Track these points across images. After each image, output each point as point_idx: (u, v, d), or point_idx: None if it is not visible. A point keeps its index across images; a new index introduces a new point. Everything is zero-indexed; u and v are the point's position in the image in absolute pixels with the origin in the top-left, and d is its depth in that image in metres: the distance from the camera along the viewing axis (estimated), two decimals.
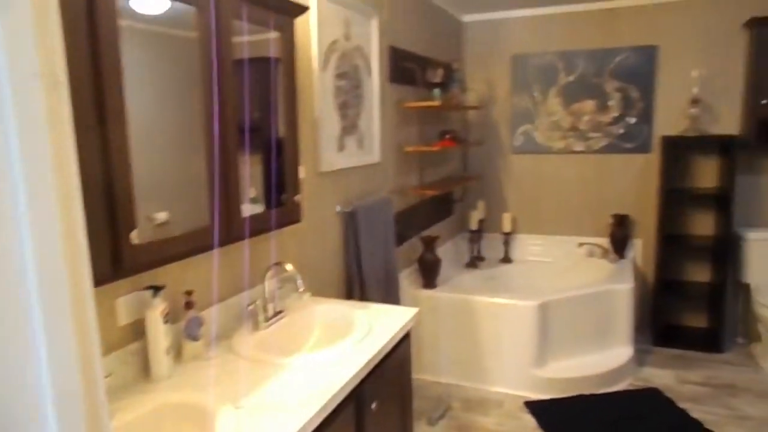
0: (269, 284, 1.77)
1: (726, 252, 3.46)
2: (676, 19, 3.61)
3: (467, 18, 4.09)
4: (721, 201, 3.50)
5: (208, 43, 1.47)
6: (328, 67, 2.32)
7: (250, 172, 1.78)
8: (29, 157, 0.49)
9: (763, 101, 3.32)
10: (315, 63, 2.20)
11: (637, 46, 3.70)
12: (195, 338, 1.54)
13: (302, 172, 2.08)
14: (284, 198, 1.90)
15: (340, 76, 2.42)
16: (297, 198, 1.93)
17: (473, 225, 4.01)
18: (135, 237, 1.26)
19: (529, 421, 2.78)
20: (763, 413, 2.83)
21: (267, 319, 1.75)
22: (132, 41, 1.28)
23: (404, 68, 3.07)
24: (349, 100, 2.52)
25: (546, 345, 3.08)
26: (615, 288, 3.23)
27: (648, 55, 3.69)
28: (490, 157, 4.17)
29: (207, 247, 1.53)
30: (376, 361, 1.56)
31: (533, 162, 4.07)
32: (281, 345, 1.73)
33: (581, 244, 3.94)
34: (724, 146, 3.53)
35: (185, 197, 1.53)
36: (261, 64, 1.80)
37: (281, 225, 1.89)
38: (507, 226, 4.05)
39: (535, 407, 2.88)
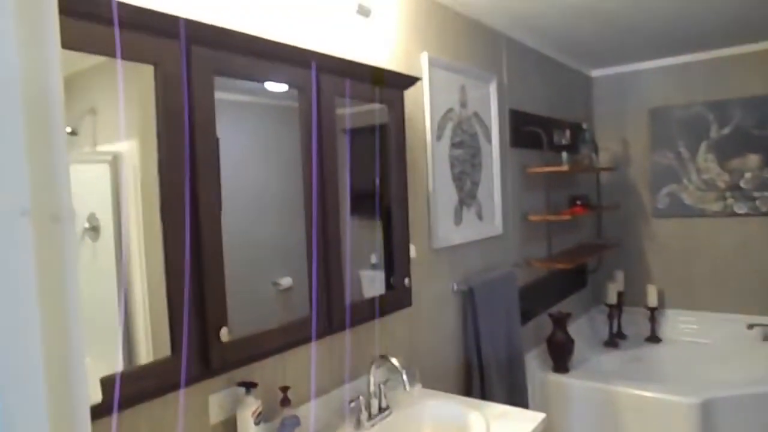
0: (374, 378, 1.61)
1: None
2: None
3: (596, 73, 3.80)
4: None
5: (310, 119, 1.41)
6: (443, 137, 2.20)
7: (368, 239, 1.67)
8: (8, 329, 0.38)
9: None
10: (428, 134, 2.09)
11: None
12: None
13: (413, 251, 1.93)
14: (393, 281, 1.75)
15: (456, 145, 2.29)
16: (407, 281, 1.77)
17: (611, 299, 3.55)
18: (225, 334, 1.17)
19: None
20: None
21: (370, 417, 1.57)
22: (237, 113, 1.26)
23: (527, 132, 2.86)
24: (467, 170, 2.36)
25: None
26: None
27: None
28: (628, 222, 3.73)
29: (304, 340, 1.41)
30: None
31: (682, 226, 3.56)
32: None
33: (752, 326, 3.29)
34: None
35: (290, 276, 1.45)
36: (373, 133, 1.73)
37: (389, 311, 1.73)
38: (652, 300, 3.53)
39: None
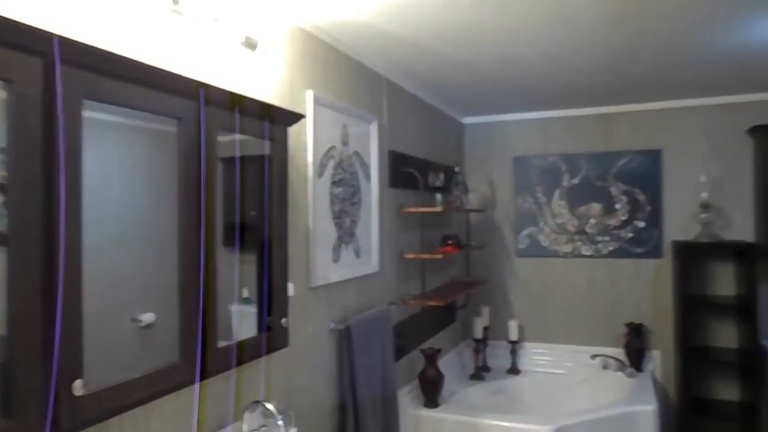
0: (247, 425, 1.52)
1: (754, 367, 3.18)
2: (678, 124, 3.58)
3: (468, 120, 4.09)
4: (744, 311, 3.27)
5: (189, 148, 1.34)
6: (324, 174, 2.20)
7: (241, 272, 1.59)
8: None
9: None
10: (310, 170, 2.08)
11: (641, 149, 3.65)
12: None
13: (292, 290, 1.89)
14: (270, 321, 1.69)
15: (336, 183, 2.30)
16: (284, 321, 1.72)
17: (478, 333, 3.75)
18: (79, 387, 1.04)
19: None
20: None
21: None
22: (100, 132, 1.14)
23: (405, 172, 2.97)
24: (347, 208, 2.38)
25: None
26: (637, 410, 2.92)
27: (652, 159, 3.62)
28: (494, 260, 4.00)
29: (172, 389, 1.30)
30: None
31: (539, 266, 3.89)
32: None
33: (594, 356, 3.66)
34: (740, 252, 3.37)
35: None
36: (253, 165, 1.68)
37: (265, 353, 1.66)
38: (513, 335, 3.78)
39: None
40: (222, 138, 1.46)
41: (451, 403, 3.09)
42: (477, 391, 3.55)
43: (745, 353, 3.26)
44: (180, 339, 1.32)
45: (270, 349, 1.67)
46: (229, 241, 1.59)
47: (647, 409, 2.93)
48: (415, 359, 3.10)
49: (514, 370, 3.80)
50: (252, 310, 1.68)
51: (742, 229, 3.44)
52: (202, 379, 1.39)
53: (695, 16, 2.06)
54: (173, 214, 1.32)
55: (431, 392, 2.96)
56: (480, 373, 3.74)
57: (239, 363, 1.55)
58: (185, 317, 1.33)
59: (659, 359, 3.59)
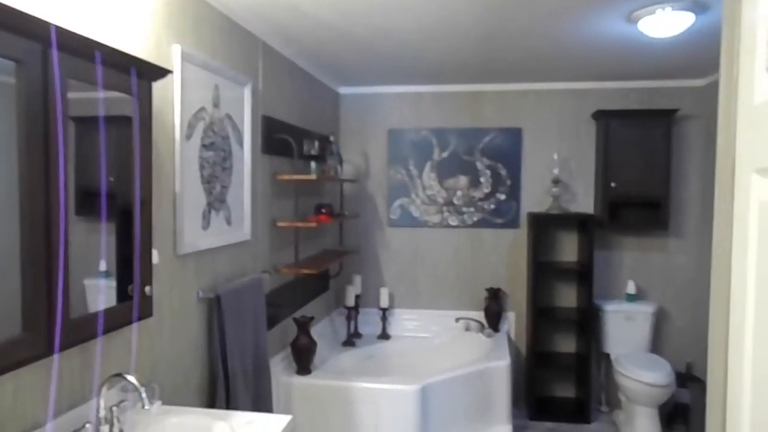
0: (104, 401, 1.42)
1: (588, 323, 3.62)
2: (536, 105, 3.89)
3: (343, 90, 4.09)
4: (582, 275, 3.70)
5: (34, 101, 1.19)
6: (193, 137, 2.09)
7: (97, 244, 1.47)
8: None
9: (612, 184, 3.63)
10: (177, 131, 1.96)
11: (503, 127, 3.92)
12: None
13: (156, 257, 1.78)
14: (131, 289, 1.59)
15: (207, 146, 2.19)
16: (148, 289, 1.62)
17: (350, 301, 3.84)
18: None
19: None
20: None
21: None
22: None
23: (279, 139, 2.90)
24: (217, 173, 2.28)
25: (427, 430, 2.92)
26: (493, 365, 3.21)
27: (513, 136, 3.91)
28: (366, 230, 4.09)
29: (15, 365, 1.17)
30: None
31: (410, 236, 4.06)
32: None
33: (458, 319, 3.93)
34: (582, 223, 3.79)
35: None
36: (111, 125, 1.54)
37: (127, 323, 1.56)
38: (384, 302, 3.93)
39: None
40: (76, 95, 1.32)
41: (324, 369, 3.15)
42: (349, 357, 3.65)
43: (581, 311, 3.71)
44: (23, 311, 1.19)
45: (132, 320, 1.57)
46: (83, 210, 1.45)
47: (501, 364, 3.23)
48: (288, 328, 3.10)
49: (384, 336, 3.95)
50: (112, 284, 1.57)
51: (584, 202, 3.86)
52: (53, 352, 1.28)
53: (550, 5, 2.24)
54: (13, 176, 1.17)
55: (304, 360, 2.99)
56: (352, 339, 3.84)
57: (98, 335, 1.44)
58: (29, 288, 1.20)
59: (513, 320, 3.96)
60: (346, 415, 2.88)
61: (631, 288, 3.76)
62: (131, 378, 1.39)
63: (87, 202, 1.47)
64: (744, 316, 0.86)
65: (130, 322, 1.56)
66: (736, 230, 0.91)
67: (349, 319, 3.88)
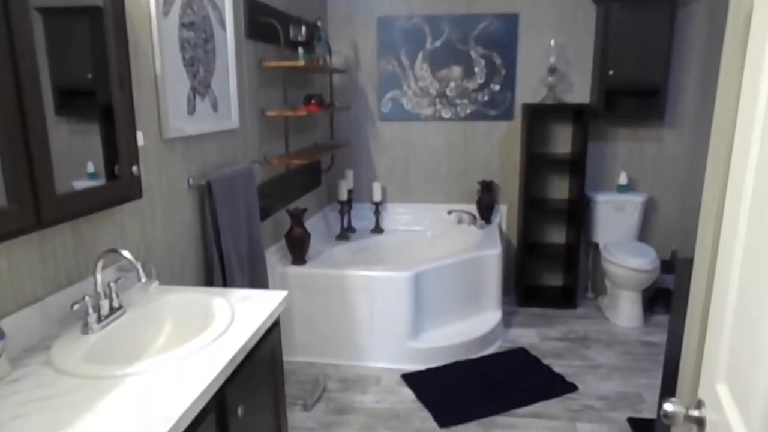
0: (102, 276, 1.43)
1: (579, 214, 3.67)
2: None
3: None
4: (575, 166, 3.69)
5: None
6: (171, 13, 1.95)
7: (83, 143, 1.42)
8: None
9: (610, 72, 3.52)
10: (153, 6, 1.83)
11: (499, 13, 3.73)
12: None
13: (141, 139, 1.73)
14: (118, 169, 1.55)
15: (186, 26, 2.06)
16: (135, 169, 1.59)
17: (342, 195, 3.84)
18: None
19: (408, 394, 2.72)
20: (610, 360, 3.06)
21: (100, 319, 1.42)
22: None
23: (264, 24, 2.74)
24: (199, 56, 2.17)
25: (420, 316, 3.04)
26: (484, 254, 3.28)
27: (509, 23, 3.73)
28: (357, 124, 4.01)
29: (5, 235, 1.16)
30: (242, 356, 1.32)
31: (402, 129, 3.98)
32: (121, 350, 1.42)
33: (450, 212, 3.96)
34: (577, 114, 3.72)
35: None
36: (91, 15, 1.43)
37: (116, 202, 1.54)
38: (377, 196, 3.94)
39: (411, 379, 2.83)
40: None
41: (318, 260, 3.21)
42: (343, 250, 3.71)
43: (572, 202, 3.74)
44: (7, 184, 1.16)
45: (122, 199, 1.55)
46: (64, 110, 1.38)
47: (493, 252, 3.30)
48: (281, 220, 3.12)
49: (377, 230, 4.00)
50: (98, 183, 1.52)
51: (580, 92, 3.77)
52: (42, 226, 1.26)
53: None
54: None
55: (298, 250, 3.03)
56: (345, 233, 3.89)
57: (87, 212, 1.42)
58: (11, 161, 1.16)
59: (505, 212, 4.00)
60: (342, 302, 2.98)
61: (623, 179, 3.77)
62: (126, 253, 1.39)
63: (67, 102, 1.39)
64: (741, 195, 0.83)
65: (118, 201, 1.54)
66: (743, 107, 0.87)
67: (342, 213, 3.91)
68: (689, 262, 1.83)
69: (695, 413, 0.94)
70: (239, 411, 1.31)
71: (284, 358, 3.02)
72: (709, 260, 1.25)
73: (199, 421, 1.14)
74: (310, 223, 3.57)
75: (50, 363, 1.25)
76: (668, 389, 1.92)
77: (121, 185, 1.54)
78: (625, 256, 3.43)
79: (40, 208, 1.24)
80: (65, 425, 1.00)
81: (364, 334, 2.98)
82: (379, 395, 2.72)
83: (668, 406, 0.94)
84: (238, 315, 1.49)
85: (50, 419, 1.02)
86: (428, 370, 2.91)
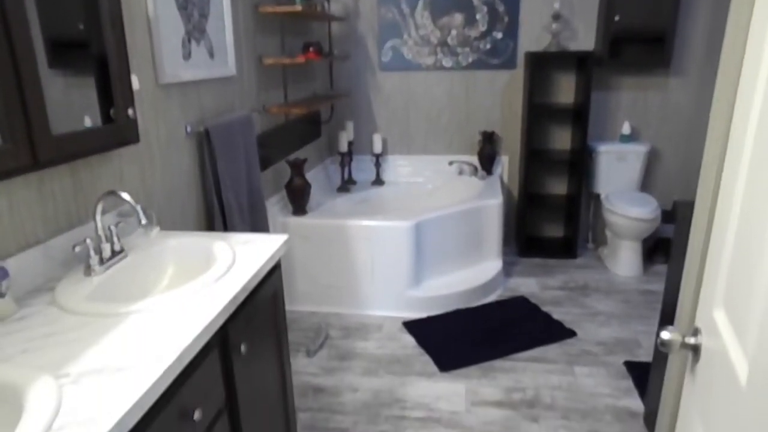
0: (102, 221, 1.44)
1: (580, 165, 3.64)
2: None
3: None
4: (578, 116, 3.64)
5: None
6: None
7: (79, 97, 1.38)
8: None
9: (616, 18, 3.43)
10: None
11: None
12: None
13: (136, 83, 1.70)
14: (113, 112, 1.53)
15: None
16: (131, 112, 1.57)
17: (343, 147, 3.81)
18: None
19: (409, 340, 2.77)
20: (609, 308, 3.10)
21: (103, 262, 1.43)
22: None
23: None
24: None
25: (421, 265, 3.06)
26: (485, 204, 3.27)
27: None
28: (357, 74, 3.93)
29: (2, 174, 1.16)
30: (243, 296, 1.34)
31: (402, 79, 3.91)
32: (124, 291, 1.43)
33: (451, 163, 3.94)
34: (581, 62, 3.64)
35: None
36: None
37: (113, 145, 1.53)
38: (377, 148, 3.90)
39: (412, 327, 2.88)
40: None
41: (319, 211, 3.22)
42: (343, 201, 3.71)
43: (575, 153, 3.71)
44: (1, 125, 1.15)
45: (118, 142, 1.53)
46: (58, 63, 1.34)
47: (494, 202, 3.29)
48: (282, 171, 3.11)
49: (378, 182, 3.99)
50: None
51: (584, 40, 3.68)
52: (39, 167, 1.26)
53: None
54: None
55: (299, 201, 3.03)
56: (346, 185, 3.88)
57: (84, 154, 1.41)
58: (4, 102, 1.14)
59: (506, 163, 3.97)
60: (343, 252, 3.00)
61: (626, 129, 3.73)
62: (125, 195, 1.38)
63: (60, 55, 1.35)
64: (745, 134, 0.82)
65: (115, 145, 1.53)
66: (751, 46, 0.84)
67: (342, 165, 3.89)
68: (690, 205, 1.83)
69: (691, 340, 0.95)
70: (242, 348, 1.33)
71: (287, 308, 3.07)
72: (711, 201, 1.24)
73: (203, 355, 1.17)
74: (311, 176, 3.55)
75: (55, 302, 1.26)
76: None
77: (117, 128, 1.52)
78: (626, 206, 3.42)
79: (36, 147, 1.23)
80: (73, 358, 1.02)
81: (366, 283, 3.01)
82: (380, 342, 2.77)
83: (665, 334, 0.95)
84: (240, 257, 1.50)
85: (58, 353, 1.04)
86: (429, 318, 2.95)
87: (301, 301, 3.12)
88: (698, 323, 0.97)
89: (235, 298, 1.28)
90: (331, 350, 2.70)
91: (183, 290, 1.28)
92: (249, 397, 1.42)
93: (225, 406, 1.29)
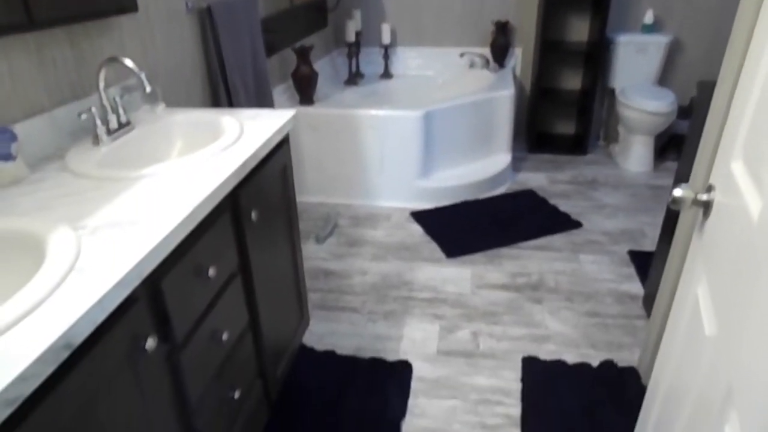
0: (106, 91, 1.40)
1: (597, 57, 3.49)
2: None
3: None
4: (598, 4, 3.44)
5: None
6: None
7: None
8: None
9: None
10: None
11: None
12: (7, 157, 1.19)
13: None
14: None
15: None
16: None
17: (350, 37, 3.66)
18: None
19: (416, 229, 2.81)
20: (616, 201, 3.11)
21: (110, 133, 1.42)
22: None
23: None
24: None
25: (430, 156, 3.04)
26: (496, 95, 3.19)
27: None
28: None
29: None
30: (253, 163, 1.33)
31: None
32: (133, 161, 1.43)
33: (463, 54, 3.79)
34: None
35: None
36: None
37: (110, 11, 1.46)
38: (386, 38, 3.74)
39: (420, 217, 2.91)
40: None
41: (326, 102, 3.15)
42: (351, 93, 3.63)
43: (592, 44, 3.55)
44: None
45: (116, 8, 1.47)
46: None
47: (505, 94, 3.20)
48: (288, 59, 3.01)
49: (387, 75, 3.87)
50: None
51: None
52: (35, 28, 1.21)
53: None
54: None
55: (306, 90, 2.96)
56: (354, 78, 3.77)
57: (80, 17, 1.35)
58: None
59: (520, 56, 3.82)
60: (352, 142, 2.97)
61: (648, 17, 3.53)
62: (127, 61, 1.34)
63: None
64: None
65: (113, 11, 1.46)
66: None
67: (350, 57, 3.75)
68: (712, 85, 1.77)
69: (704, 197, 0.95)
70: (253, 215, 1.35)
71: (297, 198, 3.09)
72: (740, 58, 1.19)
73: (215, 216, 1.18)
74: (317, 67, 3.44)
75: (66, 168, 1.27)
76: (670, 225, 1.96)
77: None
78: (642, 99, 3.32)
79: (29, 4, 1.18)
80: (88, 213, 1.04)
81: (374, 173, 3.01)
82: (388, 230, 2.81)
83: (677, 191, 0.95)
84: (247, 130, 1.48)
85: (73, 210, 1.06)
86: (437, 209, 2.98)
87: (310, 192, 3.14)
88: (713, 180, 0.96)
89: (245, 163, 1.27)
90: (340, 238, 2.75)
91: (193, 157, 1.27)
92: (262, 267, 1.46)
93: (238, 270, 1.33)
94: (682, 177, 1.98)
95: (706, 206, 0.95)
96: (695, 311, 0.92)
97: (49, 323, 0.73)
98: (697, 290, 0.93)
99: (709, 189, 0.95)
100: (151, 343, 0.91)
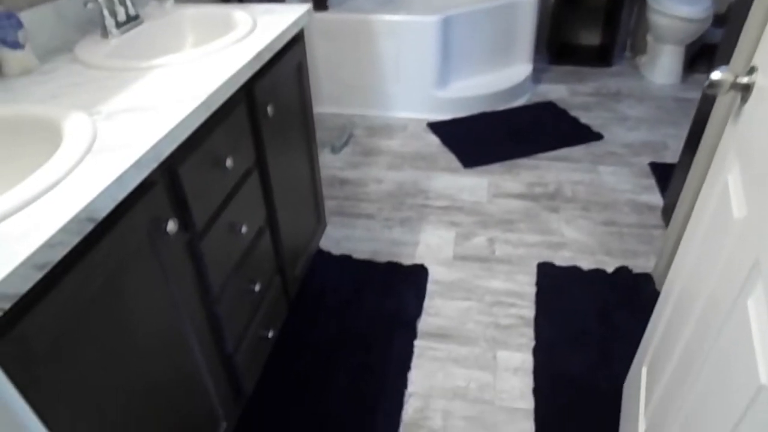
0: None
1: None
2: None
3: None
4: None
5: None
6: None
7: None
8: None
9: None
10: None
11: None
12: (15, 45, 1.15)
13: None
14: None
15: None
16: None
17: None
18: None
19: (433, 140, 2.77)
20: (640, 113, 3.01)
21: (119, 25, 1.37)
22: None
23: None
24: None
25: (448, 65, 2.93)
26: (519, 0, 3.01)
27: None
28: None
29: None
30: (268, 55, 1.29)
31: None
32: (144, 52, 1.39)
33: None
34: None
35: None
36: None
37: None
38: None
39: (437, 127, 2.85)
40: None
41: (341, 8, 3.01)
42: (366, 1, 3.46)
43: None
44: None
45: None
46: None
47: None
48: None
49: None
50: None
51: None
52: None
53: None
54: None
55: None
56: None
57: None
58: None
59: None
60: (367, 50, 2.86)
61: None
62: None
63: None
64: None
65: None
66: None
67: None
68: None
69: (744, 80, 0.90)
70: (269, 110, 1.32)
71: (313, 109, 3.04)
72: None
73: (231, 106, 1.16)
74: None
75: (77, 60, 1.23)
76: (697, 131, 1.89)
77: None
78: (675, 5, 3.12)
79: None
80: (102, 100, 1.02)
81: (391, 82, 2.93)
82: (404, 140, 2.77)
83: (716, 74, 0.90)
84: (261, 24, 1.42)
85: (86, 97, 1.03)
86: (454, 120, 2.91)
87: (325, 103, 3.08)
88: (756, 61, 0.91)
89: (259, 54, 1.23)
90: (356, 147, 2.72)
91: (206, 48, 1.23)
92: (278, 166, 1.45)
93: (255, 165, 1.32)
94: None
95: (746, 89, 0.90)
96: (724, 197, 0.90)
97: (71, 197, 0.73)
98: (728, 177, 0.90)
99: (751, 71, 0.90)
100: (171, 226, 0.92)
